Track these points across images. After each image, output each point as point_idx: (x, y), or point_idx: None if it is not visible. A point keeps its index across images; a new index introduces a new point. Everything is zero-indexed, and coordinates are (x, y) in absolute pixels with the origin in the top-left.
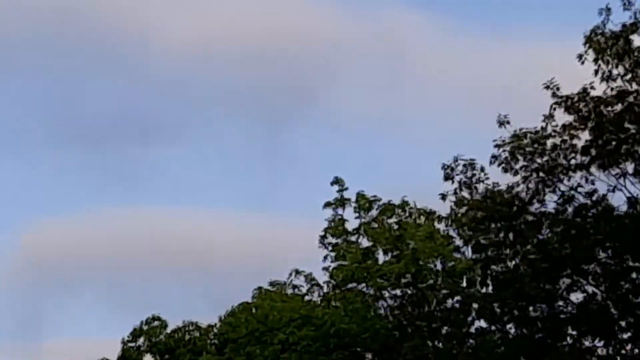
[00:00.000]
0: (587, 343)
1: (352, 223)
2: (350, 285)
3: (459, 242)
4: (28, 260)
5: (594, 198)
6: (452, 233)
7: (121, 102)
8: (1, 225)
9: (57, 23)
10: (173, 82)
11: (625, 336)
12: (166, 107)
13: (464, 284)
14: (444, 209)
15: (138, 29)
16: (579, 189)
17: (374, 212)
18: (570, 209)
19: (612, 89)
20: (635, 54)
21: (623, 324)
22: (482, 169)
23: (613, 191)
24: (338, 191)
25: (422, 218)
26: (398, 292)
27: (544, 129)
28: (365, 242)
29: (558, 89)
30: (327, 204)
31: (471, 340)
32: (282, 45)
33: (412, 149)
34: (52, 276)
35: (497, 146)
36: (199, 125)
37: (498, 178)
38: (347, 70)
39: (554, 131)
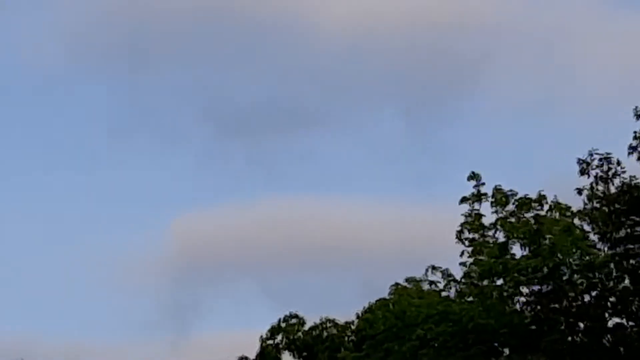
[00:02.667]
0: None
1: (489, 218)
2: (486, 281)
3: (593, 236)
4: (177, 252)
5: None
6: (586, 227)
7: (270, 91)
8: (152, 217)
9: (209, 15)
10: (323, 70)
11: None
12: (315, 96)
13: (601, 279)
14: (580, 203)
15: (288, 20)
16: None
17: (510, 207)
18: None
19: None
20: None
21: None
22: (619, 163)
23: None
24: (475, 186)
25: (557, 213)
26: (535, 286)
27: None
28: (501, 237)
29: None
30: (464, 199)
31: (609, 335)
32: (431, 33)
33: (557, 139)
34: (201, 268)
35: (637, 138)
36: (348, 113)
37: (636, 171)
38: (498, 57)
39: None
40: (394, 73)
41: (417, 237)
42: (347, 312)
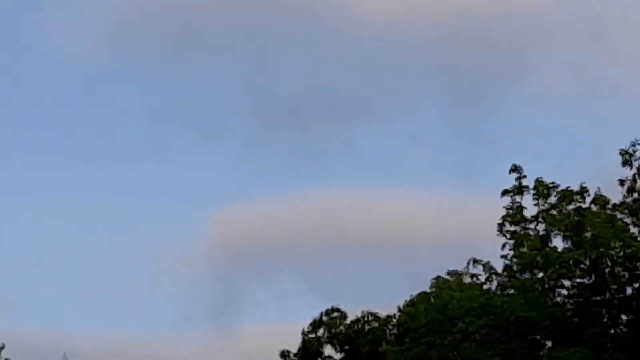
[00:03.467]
0: None
1: (530, 210)
2: (528, 273)
3: (633, 229)
4: (220, 244)
5: None
6: (628, 219)
7: (314, 81)
8: (194, 209)
9: (252, 4)
10: (368, 60)
11: None
12: (359, 86)
13: None
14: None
15: (333, 9)
16: None
17: (552, 199)
18: None
19: None
20: None
21: None
22: None
23: None
24: (516, 179)
25: (598, 205)
26: (577, 279)
27: None
28: (543, 230)
29: None
30: (505, 192)
31: None
32: (476, 22)
33: (600, 129)
34: (244, 260)
35: None
36: (392, 104)
37: None
38: (542, 46)
39: None
40: (438, 63)
41: (460, 228)
42: (391, 304)
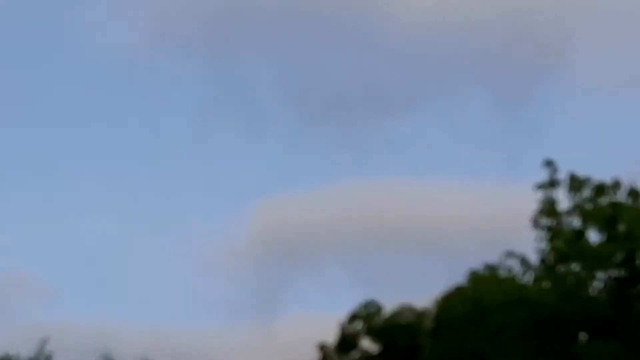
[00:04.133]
0: None
1: (564, 204)
2: (562, 266)
3: None
4: (263, 236)
5: None
6: None
7: (358, 72)
8: (237, 201)
9: None
10: (412, 51)
11: None
12: (405, 77)
13: None
14: None
15: (377, 1)
16: None
17: (586, 193)
18: None
19: None
20: None
21: None
22: None
23: None
24: (550, 173)
25: (632, 199)
26: (611, 272)
27: None
28: (577, 223)
29: None
30: (539, 186)
31: None
32: (519, 13)
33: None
34: (287, 252)
35: None
36: (437, 95)
37: None
38: (584, 37)
39: None
40: (483, 54)
41: (502, 221)
42: (432, 295)
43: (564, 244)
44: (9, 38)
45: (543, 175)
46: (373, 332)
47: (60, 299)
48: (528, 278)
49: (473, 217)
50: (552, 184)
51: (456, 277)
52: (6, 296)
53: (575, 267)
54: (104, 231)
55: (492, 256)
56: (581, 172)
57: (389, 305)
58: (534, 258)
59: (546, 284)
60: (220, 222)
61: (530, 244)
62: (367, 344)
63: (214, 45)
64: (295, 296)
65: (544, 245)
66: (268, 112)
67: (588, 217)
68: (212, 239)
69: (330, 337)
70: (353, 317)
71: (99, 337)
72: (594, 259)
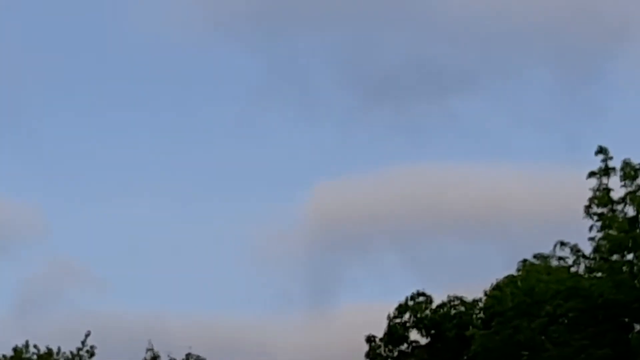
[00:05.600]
0: None
1: (618, 192)
2: (616, 256)
3: None
4: (317, 222)
5: None
6: None
7: (415, 53)
8: (292, 186)
9: None
10: (470, 33)
11: None
12: (462, 57)
13: None
14: None
15: None
16: None
17: None
18: None
19: None
20: None
21: None
22: None
23: None
24: (602, 160)
25: None
26: None
27: None
28: (631, 211)
29: None
30: (592, 174)
31: None
32: None
33: None
34: (341, 238)
35: None
36: (496, 75)
37: None
38: None
39: None
40: (544, 33)
41: (560, 207)
42: (487, 281)
43: (618, 232)
44: (65, 23)
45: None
46: (421, 324)
47: (109, 288)
48: (581, 267)
49: (530, 203)
50: (606, 171)
51: (511, 263)
52: (56, 284)
53: (629, 256)
54: (156, 219)
55: (547, 243)
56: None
57: (441, 293)
58: (587, 247)
59: (600, 274)
60: (273, 209)
61: (582, 232)
62: (416, 336)
63: (268, 28)
64: (349, 284)
65: (597, 234)
66: (323, 96)
67: None
68: (265, 226)
69: (381, 326)
70: (401, 309)
71: (148, 326)
72: None
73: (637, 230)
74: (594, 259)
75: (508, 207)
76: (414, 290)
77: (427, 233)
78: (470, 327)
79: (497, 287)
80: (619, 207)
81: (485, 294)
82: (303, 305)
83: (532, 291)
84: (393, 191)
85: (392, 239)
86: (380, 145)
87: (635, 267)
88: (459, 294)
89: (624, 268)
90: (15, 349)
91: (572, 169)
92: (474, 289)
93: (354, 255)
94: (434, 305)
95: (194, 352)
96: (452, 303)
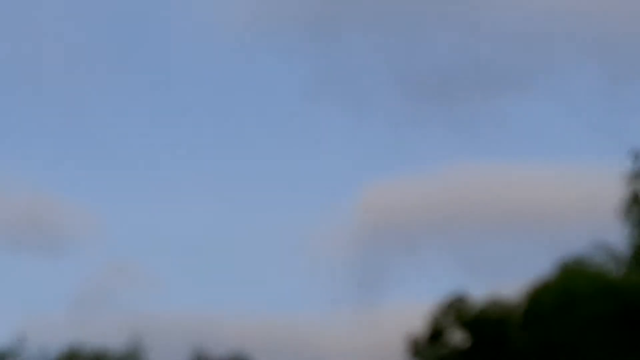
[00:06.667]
0: None
1: None
2: None
3: None
4: (367, 221)
5: None
6: None
7: (466, 51)
8: (341, 185)
9: None
10: (520, 28)
11: None
12: (514, 55)
13: None
14: None
15: None
16: None
17: None
18: None
19: None
20: None
21: None
22: None
23: None
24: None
25: None
26: None
27: None
28: None
29: None
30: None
31: None
32: None
33: None
34: (391, 237)
35: None
36: (548, 74)
37: None
38: None
39: None
40: (595, 31)
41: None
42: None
43: None
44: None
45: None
46: (462, 324)
47: (163, 289)
48: (618, 269)
49: (582, 202)
50: (638, 174)
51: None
52: (111, 285)
53: None
54: (209, 220)
55: (591, 244)
56: None
57: (485, 293)
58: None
59: (637, 276)
60: (323, 208)
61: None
62: (456, 336)
63: (318, 25)
64: (399, 283)
65: (634, 235)
66: (374, 93)
67: None
68: (315, 225)
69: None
70: (442, 309)
71: (199, 327)
72: None
73: None
74: (632, 261)
75: (556, 206)
76: (455, 290)
77: (477, 232)
78: (510, 329)
79: (536, 288)
80: None
81: (525, 295)
82: (352, 304)
83: (570, 293)
84: (443, 190)
85: (441, 237)
86: (430, 144)
87: None
88: (501, 295)
89: None
90: (68, 350)
91: (622, 168)
92: (520, 289)
93: (402, 254)
94: (474, 306)
95: (242, 352)
96: (492, 304)
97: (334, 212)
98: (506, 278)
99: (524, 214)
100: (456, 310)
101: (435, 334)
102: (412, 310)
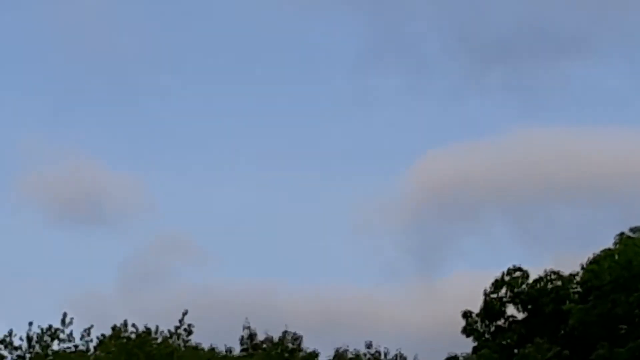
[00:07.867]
0: None
1: None
2: None
3: None
4: (426, 191)
5: None
6: None
7: (527, 16)
8: (400, 156)
9: None
10: None
11: None
12: (576, 19)
13: None
14: None
15: None
16: None
17: None
18: None
19: None
20: None
21: None
22: None
23: None
24: None
25: None
26: None
27: None
28: None
29: None
30: None
31: None
32: None
33: None
34: (450, 207)
35: None
36: (611, 37)
37: None
38: None
39: None
40: None
41: None
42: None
43: None
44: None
45: None
46: (518, 298)
47: (213, 263)
48: None
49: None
50: None
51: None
52: (161, 259)
53: None
54: (261, 193)
55: None
56: None
57: (547, 264)
58: None
59: None
60: (382, 178)
61: None
62: (513, 311)
63: None
64: (459, 253)
65: None
66: (432, 61)
67: None
68: (373, 196)
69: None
70: (498, 284)
71: (251, 301)
72: None
73: None
74: None
75: (622, 173)
76: (513, 263)
77: (538, 201)
78: (567, 302)
79: (595, 260)
80: None
81: (583, 268)
82: (411, 276)
83: (630, 265)
84: (504, 158)
85: (502, 207)
86: (492, 111)
87: None
88: (561, 265)
89: None
90: (113, 328)
91: None
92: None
93: (463, 225)
94: (530, 280)
95: (292, 328)
96: (549, 277)
97: (393, 182)
98: (569, 247)
99: (590, 183)
100: (513, 283)
101: (490, 310)
102: (472, 282)
